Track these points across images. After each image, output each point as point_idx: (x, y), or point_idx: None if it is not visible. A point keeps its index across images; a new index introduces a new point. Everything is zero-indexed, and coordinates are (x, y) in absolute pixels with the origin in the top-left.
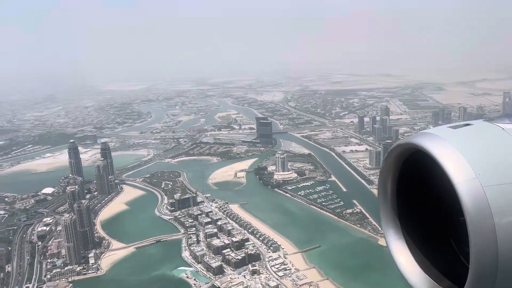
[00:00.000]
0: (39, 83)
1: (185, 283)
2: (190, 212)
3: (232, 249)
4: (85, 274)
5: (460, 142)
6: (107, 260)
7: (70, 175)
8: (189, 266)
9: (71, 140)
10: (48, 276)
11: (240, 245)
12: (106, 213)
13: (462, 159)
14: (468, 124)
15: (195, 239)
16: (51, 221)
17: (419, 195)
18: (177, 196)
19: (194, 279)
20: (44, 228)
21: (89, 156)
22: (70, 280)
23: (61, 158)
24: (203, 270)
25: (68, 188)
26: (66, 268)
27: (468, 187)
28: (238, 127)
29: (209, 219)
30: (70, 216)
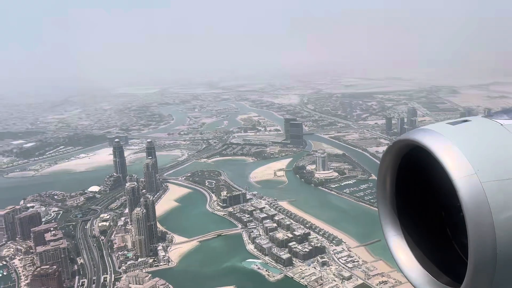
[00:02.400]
0: (49, 86)
1: (257, 274)
2: (244, 208)
3: (296, 242)
4: (157, 266)
5: (458, 138)
6: (175, 253)
7: (115, 173)
8: (256, 258)
9: (116, 140)
10: (124, 268)
11: (302, 238)
12: (159, 209)
13: (460, 155)
14: (466, 120)
15: (258, 233)
16: (108, 217)
17: (418, 191)
18: (224, 193)
19: (266, 271)
20: (105, 223)
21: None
22: (144, 271)
23: (96, 158)
24: (272, 262)
25: (127, 184)
26: (139, 260)
27: (466, 183)
28: (263, 128)
29: (264, 215)
30: (142, 210)
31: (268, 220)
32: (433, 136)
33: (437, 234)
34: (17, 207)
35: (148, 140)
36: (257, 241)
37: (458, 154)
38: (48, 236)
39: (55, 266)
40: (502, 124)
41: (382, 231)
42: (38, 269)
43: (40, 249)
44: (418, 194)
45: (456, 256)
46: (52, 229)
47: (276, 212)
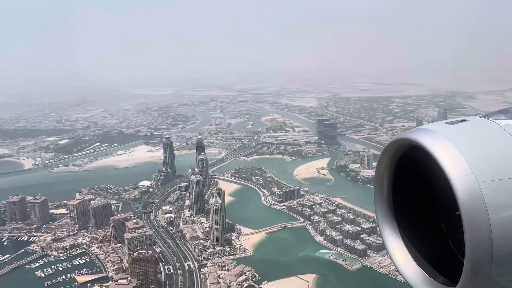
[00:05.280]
0: (60, 87)
1: (335, 264)
2: (302, 202)
3: (366, 235)
4: (235, 254)
5: (456, 137)
6: (247, 243)
7: (164, 169)
8: (328, 249)
9: (167, 136)
10: (204, 256)
11: (371, 231)
12: None
13: (458, 155)
14: (464, 120)
15: (325, 226)
16: (170, 209)
17: (415, 190)
18: (275, 189)
19: (343, 260)
20: (170, 215)
21: (162, 154)
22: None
23: (135, 155)
24: (345, 252)
25: (193, 177)
26: (218, 249)
27: (463, 182)
28: (292, 129)
29: (325, 209)
30: (218, 200)
31: (331, 214)
32: (430, 136)
33: (434, 233)
34: (86, 198)
35: (199, 136)
36: (327, 233)
37: (455, 153)
38: (130, 224)
39: (150, 251)
40: (499, 124)
41: (379, 230)
42: (136, 253)
43: (128, 235)
44: (415, 193)
45: (452, 256)
46: (132, 217)
47: (335, 207)
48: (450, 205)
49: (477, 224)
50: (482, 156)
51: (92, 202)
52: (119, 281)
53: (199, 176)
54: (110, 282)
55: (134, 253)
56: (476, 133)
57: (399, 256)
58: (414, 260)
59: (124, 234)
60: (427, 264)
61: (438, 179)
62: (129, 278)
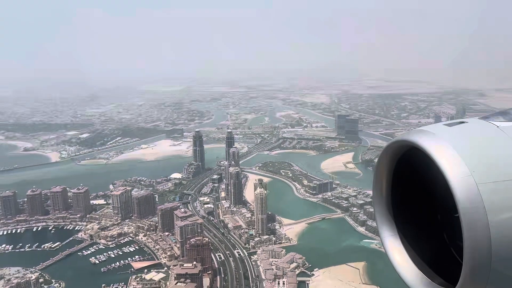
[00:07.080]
0: (67, 83)
1: (381, 253)
2: (338, 195)
3: None
4: (280, 243)
5: (455, 139)
6: (289, 233)
7: (194, 162)
8: (371, 239)
9: (197, 130)
10: (252, 244)
11: None
12: (249, 194)
13: (457, 157)
14: (463, 122)
15: (365, 217)
16: (208, 200)
17: (414, 192)
18: (305, 182)
19: None
20: (210, 206)
21: (186, 147)
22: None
23: (159, 149)
24: None
25: (231, 169)
26: (264, 237)
27: (462, 184)
28: (309, 125)
29: (362, 201)
30: (263, 191)
31: (368, 206)
32: (429, 137)
33: (432, 235)
34: (128, 188)
35: (228, 130)
36: (369, 224)
37: (454, 155)
38: (179, 213)
39: (207, 238)
40: (498, 126)
41: (378, 231)
42: (194, 239)
43: (180, 223)
44: (414, 195)
45: (451, 257)
46: (181, 206)
47: (370, 199)
48: (449, 207)
49: (475, 226)
50: (481, 158)
51: (133, 193)
52: (185, 265)
53: (237, 168)
54: (176, 265)
55: (191, 240)
56: (475, 135)
57: (397, 257)
58: (413, 262)
59: (175, 223)
60: (425, 266)
61: (437, 181)
62: (194, 263)
